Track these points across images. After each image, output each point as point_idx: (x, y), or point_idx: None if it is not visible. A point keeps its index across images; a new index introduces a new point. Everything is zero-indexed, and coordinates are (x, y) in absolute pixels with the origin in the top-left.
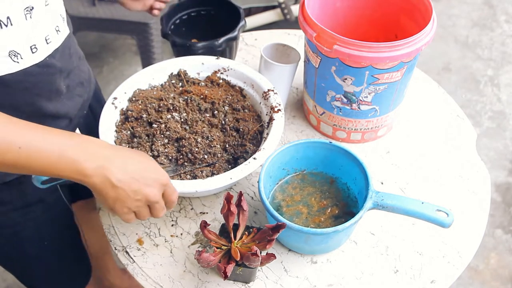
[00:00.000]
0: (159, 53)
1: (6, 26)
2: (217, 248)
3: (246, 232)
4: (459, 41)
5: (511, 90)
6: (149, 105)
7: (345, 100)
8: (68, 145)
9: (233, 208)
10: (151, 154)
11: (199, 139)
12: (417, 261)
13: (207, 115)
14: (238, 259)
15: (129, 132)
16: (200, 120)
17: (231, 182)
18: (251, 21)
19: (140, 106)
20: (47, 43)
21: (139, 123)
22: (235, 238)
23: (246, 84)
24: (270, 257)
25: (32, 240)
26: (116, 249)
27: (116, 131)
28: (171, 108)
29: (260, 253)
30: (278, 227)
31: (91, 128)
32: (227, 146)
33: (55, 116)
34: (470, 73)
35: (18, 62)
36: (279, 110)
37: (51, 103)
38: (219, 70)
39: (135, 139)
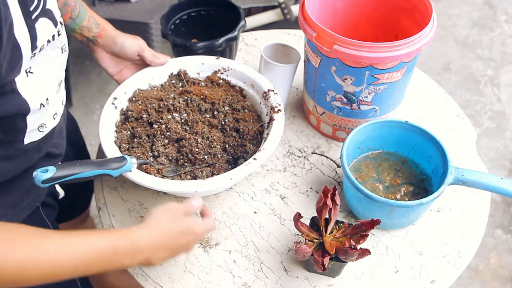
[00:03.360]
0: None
1: (44, 106)
2: (309, 241)
3: (336, 227)
4: (459, 41)
5: (511, 90)
6: (149, 105)
7: (345, 100)
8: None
9: (329, 202)
10: (151, 154)
11: (199, 140)
12: (417, 261)
13: (207, 115)
14: (332, 252)
15: (129, 132)
16: (200, 120)
17: (231, 183)
18: (251, 21)
19: (140, 106)
20: (62, 104)
21: (139, 123)
22: (325, 232)
23: (246, 84)
24: (365, 252)
25: None
26: None
27: (116, 131)
28: (172, 108)
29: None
30: (373, 223)
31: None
32: (227, 146)
33: (57, 155)
34: (470, 73)
35: (42, 131)
36: (279, 110)
37: (57, 148)
38: (219, 70)
39: (135, 139)
